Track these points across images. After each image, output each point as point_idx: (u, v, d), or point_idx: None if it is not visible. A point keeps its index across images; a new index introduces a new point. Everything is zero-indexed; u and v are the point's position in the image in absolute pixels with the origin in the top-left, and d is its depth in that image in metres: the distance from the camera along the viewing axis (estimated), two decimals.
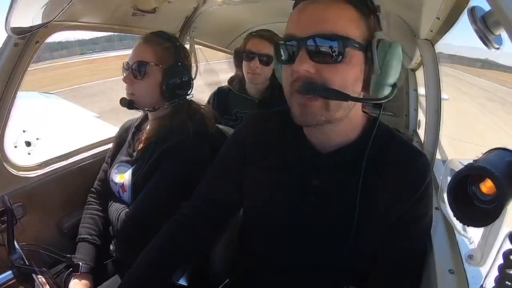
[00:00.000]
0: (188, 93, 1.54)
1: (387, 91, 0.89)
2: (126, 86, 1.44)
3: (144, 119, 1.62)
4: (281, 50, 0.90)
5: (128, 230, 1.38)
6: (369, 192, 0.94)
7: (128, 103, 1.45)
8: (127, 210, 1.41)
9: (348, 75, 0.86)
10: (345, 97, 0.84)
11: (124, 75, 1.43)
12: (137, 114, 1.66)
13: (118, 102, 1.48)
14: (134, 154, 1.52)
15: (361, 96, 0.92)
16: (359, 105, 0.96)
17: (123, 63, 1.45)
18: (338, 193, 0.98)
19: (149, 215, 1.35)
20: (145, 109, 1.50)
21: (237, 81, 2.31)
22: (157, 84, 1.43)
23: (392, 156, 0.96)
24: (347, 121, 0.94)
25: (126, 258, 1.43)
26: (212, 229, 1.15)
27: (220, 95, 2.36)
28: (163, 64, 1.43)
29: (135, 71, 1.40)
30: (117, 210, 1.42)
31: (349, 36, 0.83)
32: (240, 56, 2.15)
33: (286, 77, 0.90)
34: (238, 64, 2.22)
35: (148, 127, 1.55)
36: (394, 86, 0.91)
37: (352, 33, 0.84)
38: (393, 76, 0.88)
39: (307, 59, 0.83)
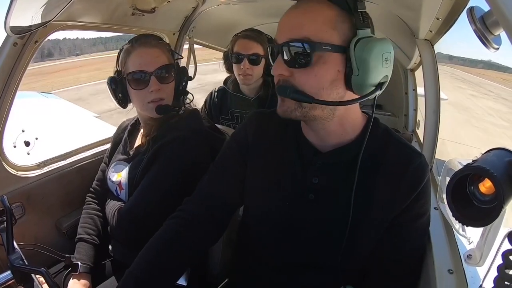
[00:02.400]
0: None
1: (369, 90, 0.87)
2: (152, 93, 1.39)
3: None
4: (271, 54, 0.97)
5: (123, 226, 1.38)
6: (367, 191, 0.95)
7: (166, 108, 1.42)
8: (123, 205, 1.41)
9: (322, 78, 0.87)
10: (308, 100, 0.87)
11: (136, 86, 1.40)
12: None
13: None
14: (131, 152, 1.52)
15: (345, 95, 0.91)
16: (352, 105, 0.95)
17: (137, 72, 1.39)
18: (337, 191, 0.99)
19: (144, 210, 1.35)
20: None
21: (231, 81, 2.34)
22: (173, 83, 1.46)
23: (390, 156, 0.97)
24: (337, 121, 0.96)
25: (124, 258, 1.43)
26: (215, 227, 1.15)
27: (216, 95, 2.40)
28: (173, 63, 1.47)
29: (163, 75, 1.40)
30: (113, 207, 1.43)
31: (323, 39, 0.84)
32: (229, 59, 2.19)
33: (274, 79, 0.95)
34: (228, 67, 2.27)
35: (143, 126, 1.55)
36: (378, 86, 0.88)
37: (327, 35, 0.85)
38: (374, 75, 0.85)
39: (282, 64, 0.89)
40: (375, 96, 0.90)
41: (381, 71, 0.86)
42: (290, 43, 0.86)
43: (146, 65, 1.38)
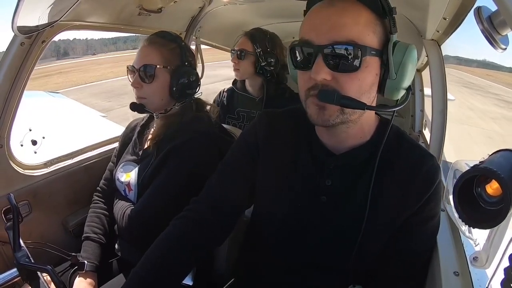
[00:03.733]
0: (196, 91, 1.55)
1: (401, 94, 0.90)
2: (135, 90, 1.44)
3: (150, 118, 1.63)
4: (297, 54, 0.90)
5: (132, 227, 1.38)
6: (378, 193, 0.95)
7: (139, 107, 1.45)
8: (133, 207, 1.41)
9: (364, 82, 0.86)
10: (362, 106, 0.84)
11: (131, 79, 1.44)
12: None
13: None
14: (140, 153, 1.53)
15: (375, 99, 0.93)
16: None
17: (128, 66, 1.45)
18: (350, 193, 0.98)
19: (154, 213, 1.35)
20: (157, 112, 1.50)
21: (239, 80, 2.38)
22: (166, 85, 1.44)
23: (402, 158, 0.96)
24: (360, 124, 0.95)
25: (130, 257, 1.43)
26: (221, 228, 1.14)
27: (224, 95, 2.45)
28: (170, 65, 1.43)
29: (143, 74, 1.41)
30: (122, 208, 1.43)
31: (366, 42, 0.83)
32: None
33: (302, 82, 0.91)
34: None
35: (154, 126, 1.56)
36: (408, 89, 0.91)
37: (369, 38, 0.84)
38: (408, 79, 0.88)
39: (324, 67, 0.83)
40: (398, 99, 0.92)
41: (413, 74, 0.89)
42: (336, 46, 0.82)
43: (136, 62, 1.42)
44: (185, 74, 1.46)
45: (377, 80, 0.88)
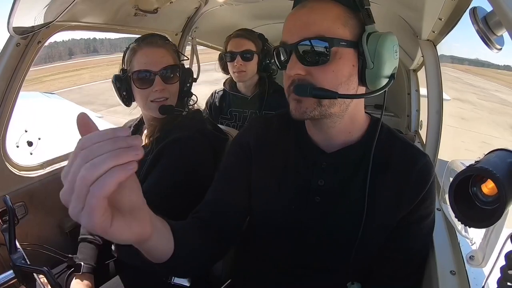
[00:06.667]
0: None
1: (383, 82, 0.89)
2: (155, 93, 1.39)
3: (143, 119, 1.62)
4: (277, 57, 0.95)
5: None
6: (372, 193, 0.95)
7: (169, 108, 1.43)
8: None
9: (340, 73, 0.87)
10: (334, 95, 0.85)
11: (143, 84, 1.39)
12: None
13: None
14: None
15: (357, 90, 0.93)
16: (359, 102, 0.97)
17: (134, 72, 1.39)
18: (343, 193, 0.98)
19: None
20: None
21: (229, 81, 2.40)
22: (178, 84, 1.47)
23: (395, 157, 0.97)
24: (347, 119, 0.96)
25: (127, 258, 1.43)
26: (230, 232, 1.08)
27: (216, 96, 2.47)
28: (179, 65, 1.48)
29: (167, 75, 1.40)
30: None
31: (335, 35, 0.85)
32: (224, 60, 2.24)
33: (284, 82, 0.94)
34: (223, 67, 2.31)
35: (149, 125, 1.55)
36: (391, 77, 0.91)
37: (339, 31, 0.86)
38: (388, 67, 0.88)
39: (297, 63, 0.87)
40: (385, 96, 0.94)
41: (393, 62, 0.89)
42: (305, 42, 0.86)
43: (151, 65, 1.38)
44: (189, 73, 1.51)
45: (355, 71, 0.89)
